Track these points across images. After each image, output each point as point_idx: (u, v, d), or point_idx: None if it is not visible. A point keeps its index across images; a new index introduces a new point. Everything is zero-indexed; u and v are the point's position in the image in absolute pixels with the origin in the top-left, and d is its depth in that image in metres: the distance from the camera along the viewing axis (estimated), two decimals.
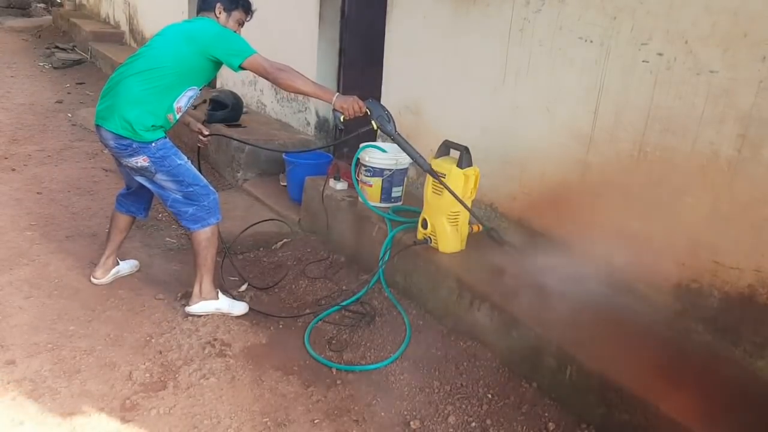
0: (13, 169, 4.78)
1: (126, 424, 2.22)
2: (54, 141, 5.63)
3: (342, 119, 2.74)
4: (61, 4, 13.66)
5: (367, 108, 2.74)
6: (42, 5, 14.46)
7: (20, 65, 8.86)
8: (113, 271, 3.19)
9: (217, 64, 2.76)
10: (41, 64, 9.09)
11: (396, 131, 2.76)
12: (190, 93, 2.80)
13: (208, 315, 2.90)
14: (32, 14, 14.04)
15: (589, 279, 2.58)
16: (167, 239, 3.82)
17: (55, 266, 3.30)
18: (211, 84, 7.08)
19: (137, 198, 3.10)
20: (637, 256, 2.62)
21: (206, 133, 3.19)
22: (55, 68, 8.90)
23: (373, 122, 2.75)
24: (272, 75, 2.66)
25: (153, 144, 2.71)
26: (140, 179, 2.85)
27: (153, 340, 2.73)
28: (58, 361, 2.52)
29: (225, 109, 5.26)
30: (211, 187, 2.89)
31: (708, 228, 2.36)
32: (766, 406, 2.09)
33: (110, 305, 2.98)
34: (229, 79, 6.46)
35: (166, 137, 2.80)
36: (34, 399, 2.29)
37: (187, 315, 2.89)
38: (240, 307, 2.99)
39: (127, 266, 3.27)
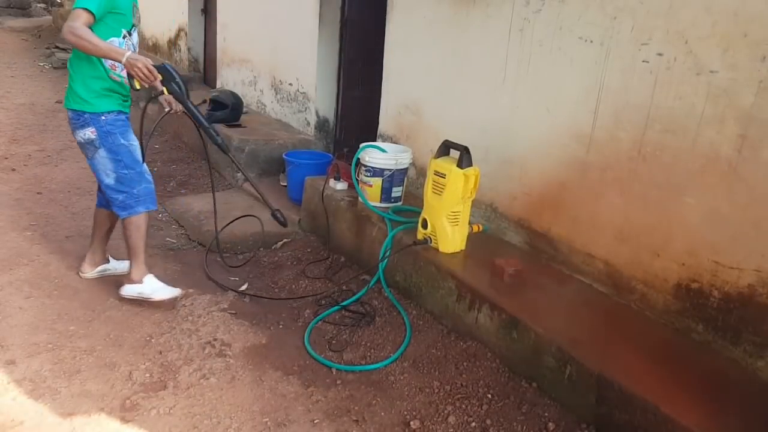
0: (13, 169, 4.79)
1: (126, 424, 2.22)
2: (54, 141, 5.64)
3: (137, 86, 2.75)
4: (61, 4, 13.66)
5: (160, 72, 2.69)
6: (42, 5, 14.47)
7: (20, 65, 8.87)
8: (101, 267, 3.22)
9: (111, 14, 2.71)
10: (41, 64, 9.09)
11: (188, 98, 2.74)
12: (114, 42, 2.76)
13: (135, 298, 2.96)
14: (32, 14, 14.06)
15: None
16: (167, 239, 3.82)
17: (55, 266, 3.31)
18: (212, 84, 7.10)
19: None
20: (637, 256, 2.62)
21: (171, 106, 3.07)
22: (55, 68, 8.91)
23: (165, 88, 2.73)
24: (64, 33, 2.59)
25: (103, 117, 2.78)
26: (87, 159, 2.90)
27: (153, 340, 2.73)
28: (58, 361, 2.52)
29: (225, 109, 5.27)
30: (148, 176, 2.93)
31: (708, 228, 2.36)
32: (766, 406, 2.09)
33: (110, 305, 2.98)
34: (229, 79, 6.47)
35: (121, 114, 2.85)
36: (34, 399, 2.29)
37: (121, 297, 2.97)
38: (164, 293, 2.97)
39: (119, 265, 3.28)
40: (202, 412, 2.30)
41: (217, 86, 6.65)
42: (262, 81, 5.82)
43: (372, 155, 3.41)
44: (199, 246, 3.80)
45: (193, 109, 2.77)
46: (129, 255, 2.99)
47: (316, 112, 5.04)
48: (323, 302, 3.15)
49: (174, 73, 2.74)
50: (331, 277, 3.43)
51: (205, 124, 2.84)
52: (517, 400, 2.39)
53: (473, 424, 2.29)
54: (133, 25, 2.86)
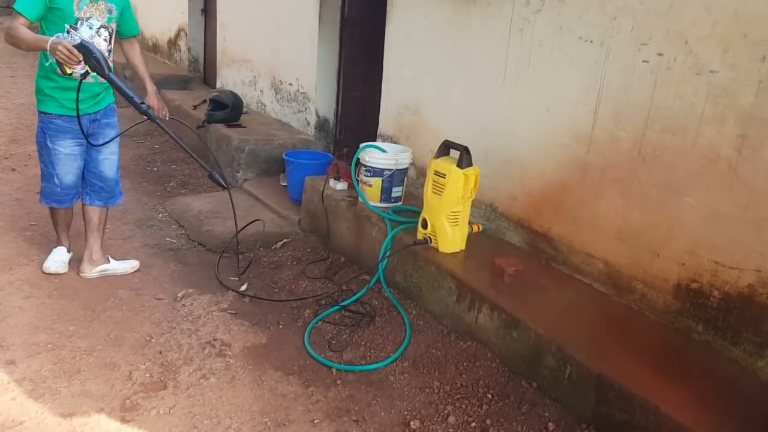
0: (13, 169, 4.79)
1: (126, 424, 2.22)
2: None
3: (68, 71, 2.87)
4: None
5: (81, 51, 2.66)
6: None
7: (20, 65, 8.87)
8: (100, 267, 3.24)
9: (50, 9, 2.83)
10: None
11: (109, 71, 2.75)
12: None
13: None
14: None
15: None
16: (167, 239, 3.82)
17: None
18: (212, 84, 7.10)
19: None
20: (637, 256, 2.62)
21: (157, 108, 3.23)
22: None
23: (88, 67, 2.73)
24: (3, 33, 2.88)
25: (44, 115, 2.99)
26: None
27: (153, 340, 2.73)
28: (58, 361, 2.52)
29: (225, 109, 5.27)
30: (56, 180, 3.08)
31: (708, 228, 2.36)
32: (766, 406, 2.09)
33: (110, 305, 2.98)
34: (229, 79, 6.47)
35: (61, 117, 2.97)
36: (34, 399, 2.29)
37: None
38: (48, 265, 3.20)
39: (119, 266, 3.31)
40: (202, 412, 2.30)
41: (217, 86, 6.65)
42: (262, 81, 5.82)
43: (372, 155, 3.41)
44: (199, 246, 3.80)
45: (115, 80, 2.76)
46: None
47: (316, 112, 5.04)
48: (323, 302, 3.15)
49: (92, 49, 2.70)
50: (331, 277, 3.43)
51: (130, 94, 2.75)
52: (517, 400, 2.39)
53: (473, 424, 2.29)
54: (78, 19, 2.88)
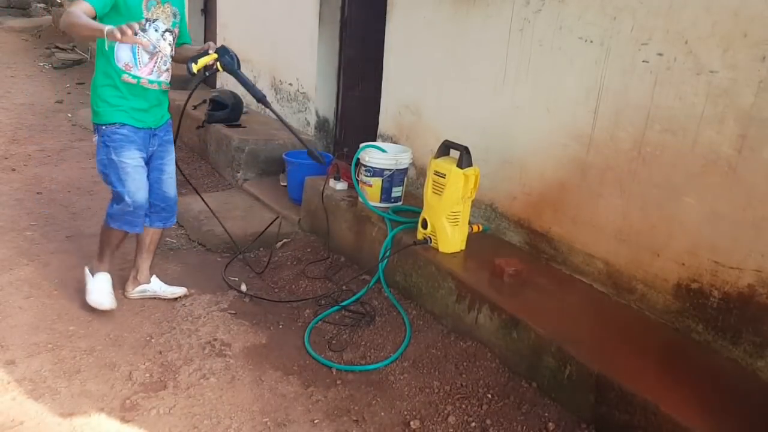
0: (13, 169, 4.79)
1: (126, 424, 2.22)
2: (54, 141, 5.64)
3: (195, 69, 2.71)
4: (61, 4, 13.65)
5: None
6: (42, 5, 14.46)
7: (20, 65, 8.87)
8: (140, 288, 3.07)
9: (116, 7, 2.59)
10: (41, 64, 9.09)
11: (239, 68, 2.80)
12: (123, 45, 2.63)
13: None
14: (32, 14, 14.06)
15: None
16: (167, 239, 3.82)
17: (55, 266, 3.31)
18: (211, 84, 7.09)
19: None
20: (637, 256, 2.62)
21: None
22: (55, 68, 8.91)
23: (219, 65, 2.75)
24: (60, 22, 2.52)
25: (104, 127, 2.72)
26: None
27: (153, 340, 2.73)
28: (58, 361, 2.52)
29: (225, 109, 5.27)
30: (128, 199, 2.75)
31: (708, 228, 2.36)
32: (766, 406, 2.09)
33: None
34: (229, 79, 6.46)
35: (125, 127, 2.72)
36: (34, 399, 2.29)
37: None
38: (92, 299, 2.86)
39: (159, 287, 3.10)
40: (202, 412, 2.30)
41: (217, 86, 6.65)
42: (262, 81, 5.81)
43: (372, 155, 3.41)
44: (200, 246, 3.80)
45: (243, 76, 2.81)
46: (98, 248, 2.98)
47: (316, 112, 5.04)
48: (323, 302, 3.15)
49: (227, 47, 2.75)
50: (331, 277, 3.43)
51: (254, 87, 2.85)
52: (517, 400, 2.39)
53: (473, 424, 2.29)
54: (146, 20, 2.67)
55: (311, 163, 4.31)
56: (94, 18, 2.50)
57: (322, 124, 5.08)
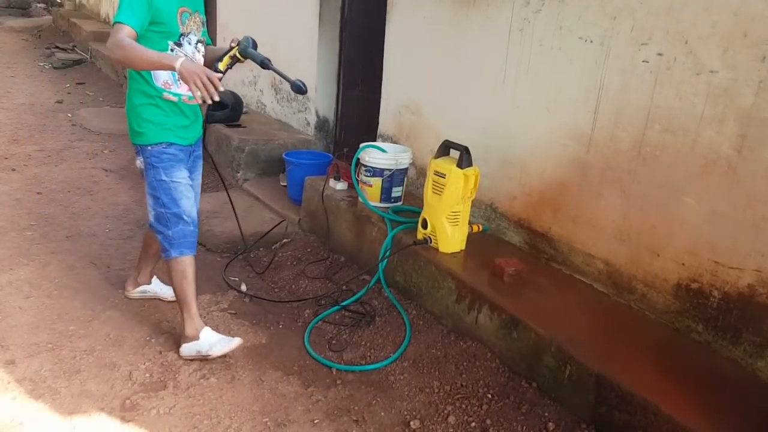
0: (13, 169, 4.79)
1: (126, 424, 2.22)
2: (54, 141, 5.64)
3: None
4: (61, 4, 13.67)
5: (243, 53, 2.48)
6: (42, 5, 14.47)
7: (20, 65, 8.87)
8: (141, 288, 3.05)
9: (153, 23, 2.42)
10: (41, 64, 9.09)
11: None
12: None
13: (195, 357, 2.62)
14: (32, 14, 14.07)
15: None
16: None
17: (55, 266, 3.31)
18: None
19: None
20: (637, 256, 2.62)
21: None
22: (55, 68, 8.91)
23: (260, 65, 2.53)
24: (107, 51, 2.36)
25: (150, 148, 2.57)
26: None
27: (153, 340, 2.73)
28: (58, 361, 2.52)
29: (225, 109, 5.26)
30: (186, 218, 2.60)
31: (708, 228, 2.36)
32: (766, 406, 2.09)
33: (110, 305, 2.98)
34: (229, 80, 6.46)
35: (173, 146, 2.59)
36: (34, 399, 2.29)
37: (181, 357, 2.63)
38: (222, 346, 2.59)
39: (162, 288, 3.07)
40: (202, 412, 2.30)
41: None
42: (262, 81, 5.82)
43: (372, 155, 3.41)
44: (200, 246, 3.78)
45: (275, 67, 2.54)
46: (179, 306, 2.67)
47: (316, 112, 5.04)
48: (323, 302, 3.15)
49: (252, 42, 2.53)
50: (331, 277, 3.43)
51: (288, 76, 2.54)
52: (517, 400, 2.39)
53: (473, 424, 2.29)
54: (182, 35, 2.52)
55: (311, 163, 4.33)
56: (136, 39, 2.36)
57: (322, 124, 5.08)
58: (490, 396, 2.43)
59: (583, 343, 2.36)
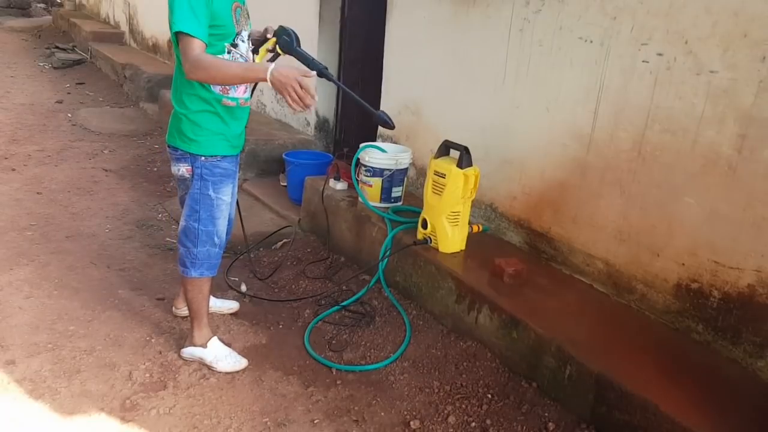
0: (13, 169, 4.79)
1: (126, 424, 2.22)
2: (54, 141, 5.64)
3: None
4: (61, 4, 13.66)
5: (286, 49, 2.37)
6: (42, 5, 14.47)
7: (20, 65, 8.86)
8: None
9: (210, 26, 2.23)
10: (41, 64, 9.09)
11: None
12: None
13: (194, 359, 2.62)
14: (32, 14, 14.05)
15: None
16: (167, 239, 3.82)
17: (55, 266, 3.31)
18: None
19: None
20: (637, 256, 2.62)
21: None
22: (55, 68, 8.90)
23: (301, 60, 2.37)
24: (190, 74, 2.19)
25: (203, 158, 2.39)
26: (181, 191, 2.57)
27: (153, 340, 2.73)
28: (58, 361, 2.52)
29: None
30: (216, 239, 2.50)
31: (708, 228, 2.36)
32: (766, 406, 2.09)
33: (110, 305, 2.98)
34: None
35: (226, 159, 2.44)
36: (34, 399, 2.29)
37: (180, 356, 2.63)
38: (228, 363, 2.58)
39: (217, 303, 3.00)
40: (202, 412, 2.30)
41: None
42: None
43: (372, 155, 3.41)
44: None
45: (306, 54, 2.40)
46: (190, 316, 2.64)
47: (316, 112, 5.04)
48: (323, 302, 3.15)
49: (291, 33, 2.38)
50: (331, 277, 3.43)
51: (318, 62, 2.36)
52: (517, 400, 2.39)
53: (473, 424, 2.29)
54: (237, 34, 2.35)
55: (311, 163, 4.33)
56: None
57: (322, 124, 5.08)
58: (490, 396, 2.43)
59: (583, 343, 2.36)
